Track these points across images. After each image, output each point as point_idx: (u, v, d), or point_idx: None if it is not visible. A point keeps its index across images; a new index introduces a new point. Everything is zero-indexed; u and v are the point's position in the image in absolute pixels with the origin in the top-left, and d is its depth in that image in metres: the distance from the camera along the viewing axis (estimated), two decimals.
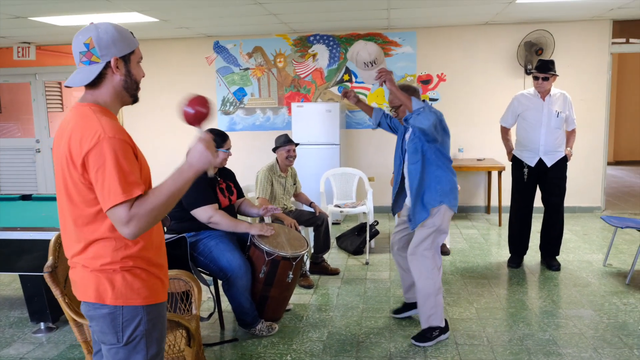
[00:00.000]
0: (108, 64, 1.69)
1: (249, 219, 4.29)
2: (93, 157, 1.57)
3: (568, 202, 6.77)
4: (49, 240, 3.19)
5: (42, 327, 3.58)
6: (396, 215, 3.78)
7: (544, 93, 4.42)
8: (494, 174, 6.89)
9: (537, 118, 4.43)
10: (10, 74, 7.89)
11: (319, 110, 6.53)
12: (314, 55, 7.21)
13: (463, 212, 7.14)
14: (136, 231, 1.58)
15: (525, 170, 4.57)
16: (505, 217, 6.38)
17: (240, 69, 7.37)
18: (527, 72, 6.69)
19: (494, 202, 7.04)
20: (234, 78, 7.41)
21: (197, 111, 1.72)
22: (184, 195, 3.35)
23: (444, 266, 4.86)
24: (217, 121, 7.47)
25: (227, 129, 7.37)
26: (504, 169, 6.38)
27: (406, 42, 7.00)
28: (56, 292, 2.19)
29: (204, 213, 3.32)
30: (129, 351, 1.72)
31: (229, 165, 3.74)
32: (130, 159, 1.61)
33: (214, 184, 3.50)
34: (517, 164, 4.67)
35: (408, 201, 3.40)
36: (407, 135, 3.35)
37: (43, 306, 3.51)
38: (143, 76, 1.82)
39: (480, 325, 3.56)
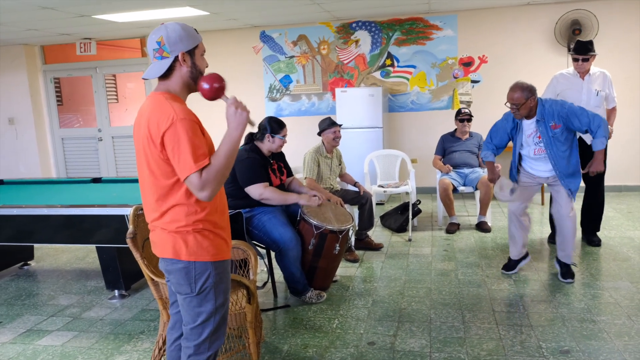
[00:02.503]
0: (176, 58, 1.99)
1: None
2: (169, 136, 1.88)
3: (613, 180, 6.78)
4: (122, 216, 3.62)
5: (116, 294, 4.02)
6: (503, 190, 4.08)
7: (583, 73, 4.49)
8: None
9: (577, 97, 4.51)
10: (74, 68, 8.48)
11: (362, 95, 6.76)
12: (357, 42, 7.42)
13: None
14: (210, 193, 1.90)
15: None
16: (548, 196, 6.47)
17: (285, 57, 7.67)
18: (570, 52, 6.67)
19: None
20: (280, 66, 7.71)
21: (212, 86, 1.96)
22: (239, 173, 3.71)
23: (485, 242, 5.04)
24: (264, 108, 7.81)
25: (274, 115, 7.68)
26: None
27: (447, 26, 7.11)
28: (136, 255, 2.54)
29: (255, 190, 3.64)
30: (201, 300, 2.04)
31: None
32: (199, 136, 1.92)
33: (267, 165, 3.81)
34: None
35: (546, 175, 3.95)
36: (533, 128, 3.80)
37: (117, 275, 3.94)
38: (206, 66, 2.12)
39: (518, 294, 3.74)
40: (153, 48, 1.99)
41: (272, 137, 3.79)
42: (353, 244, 4.90)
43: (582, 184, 4.75)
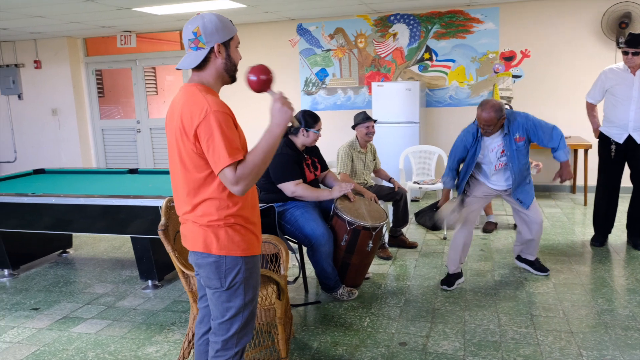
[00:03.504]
0: (212, 49, 1.96)
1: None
2: (202, 128, 1.86)
3: None
4: (157, 207, 3.64)
5: (150, 284, 4.06)
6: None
7: (634, 67, 4.28)
8: (580, 152, 6.69)
9: (627, 93, 4.30)
10: (114, 61, 8.64)
11: (399, 89, 6.64)
12: (394, 35, 7.29)
13: (546, 192, 7.00)
14: (244, 188, 1.87)
15: (613, 147, 4.46)
16: (591, 196, 6.22)
17: (322, 50, 7.61)
18: (619, 46, 6.39)
19: (579, 182, 6.84)
20: (316, 59, 7.66)
21: (259, 79, 1.93)
22: (272, 169, 3.68)
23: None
24: (300, 101, 7.78)
25: (310, 109, 7.65)
26: (590, 147, 6.19)
27: (488, 19, 6.91)
28: (168, 248, 2.54)
29: (288, 187, 3.61)
30: (230, 295, 2.01)
31: None
32: (232, 129, 1.89)
33: (301, 160, 3.77)
34: (604, 141, 4.55)
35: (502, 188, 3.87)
36: (498, 142, 3.70)
37: (151, 266, 3.98)
38: (240, 59, 2.08)
39: (557, 299, 3.60)
40: (189, 38, 1.97)
41: (307, 131, 3.75)
42: (387, 241, 4.82)
43: (630, 184, 4.55)
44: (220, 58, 1.98)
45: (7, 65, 8.64)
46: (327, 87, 7.70)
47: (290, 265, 4.41)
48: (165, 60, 8.48)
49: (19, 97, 8.74)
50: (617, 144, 4.43)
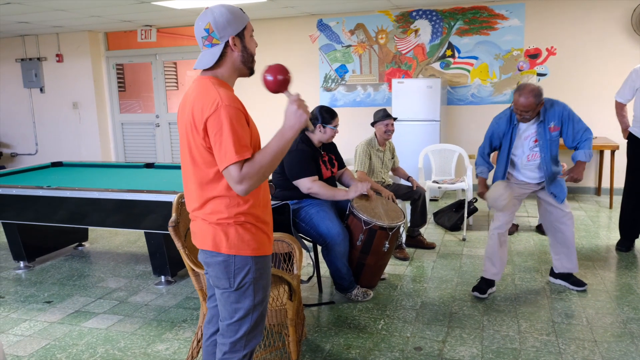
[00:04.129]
0: (227, 43, 1.89)
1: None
2: (212, 121, 1.79)
3: None
4: (170, 202, 3.60)
5: (163, 280, 4.03)
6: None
7: None
8: (607, 153, 6.49)
9: None
10: (134, 55, 8.65)
11: (419, 86, 6.51)
12: (416, 31, 7.16)
13: (570, 194, 6.80)
14: (247, 188, 1.79)
15: None
16: (617, 199, 6.03)
17: (342, 46, 7.51)
18: None
19: (605, 184, 6.64)
20: (336, 55, 7.56)
21: (276, 79, 1.84)
22: (287, 165, 3.61)
23: (545, 246, 4.72)
24: (319, 97, 7.70)
25: (328, 105, 7.56)
26: (617, 148, 5.99)
27: (513, 15, 6.73)
28: (178, 245, 2.49)
29: (304, 184, 3.53)
30: (239, 295, 1.94)
31: None
32: (243, 125, 1.81)
33: (318, 157, 3.69)
34: (633, 142, 4.38)
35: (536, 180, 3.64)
36: (532, 130, 3.50)
37: (164, 261, 3.94)
38: (256, 46, 2.00)
39: (580, 305, 3.46)
40: (202, 36, 1.90)
41: (324, 127, 3.67)
42: (404, 241, 4.72)
43: None
44: (236, 51, 1.91)
45: (30, 59, 8.72)
46: (347, 83, 7.60)
47: (305, 264, 4.34)
48: (185, 55, 8.47)
49: (41, 90, 8.82)
50: None
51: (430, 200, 6.39)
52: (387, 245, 3.60)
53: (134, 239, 5.29)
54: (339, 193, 3.59)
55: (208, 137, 1.82)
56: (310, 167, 3.59)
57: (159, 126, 8.71)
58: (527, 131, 3.51)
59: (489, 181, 3.79)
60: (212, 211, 1.91)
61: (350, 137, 7.18)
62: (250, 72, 2.00)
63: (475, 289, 3.69)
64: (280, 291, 2.64)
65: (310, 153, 3.63)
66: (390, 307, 3.52)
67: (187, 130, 1.90)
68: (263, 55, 8.11)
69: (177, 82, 9.04)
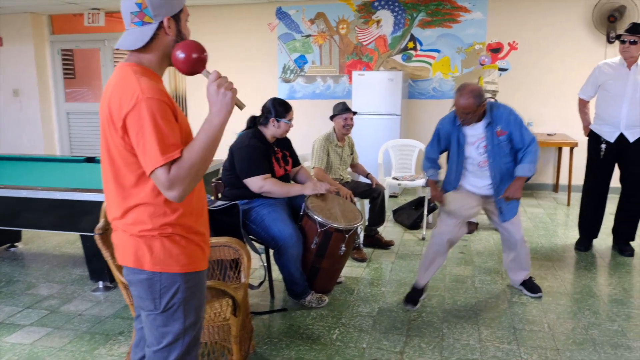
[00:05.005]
0: (160, 25, 1.62)
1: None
2: (132, 118, 1.52)
3: None
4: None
5: (101, 285, 3.70)
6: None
7: (630, 61, 4.01)
8: (565, 150, 6.47)
9: (621, 89, 4.04)
10: (81, 40, 8.14)
11: (380, 79, 6.32)
12: (378, 22, 6.95)
13: (529, 190, 6.77)
14: (181, 193, 1.54)
15: (603, 146, 4.20)
16: (575, 196, 6.01)
17: (302, 36, 7.24)
18: (609, 41, 6.16)
19: (563, 180, 6.62)
20: (296, 45, 7.29)
21: (189, 57, 1.59)
22: (237, 162, 3.34)
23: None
24: (277, 89, 7.42)
25: (287, 97, 7.30)
26: (576, 145, 5.96)
27: (476, 8, 6.60)
28: (106, 254, 2.20)
29: (255, 182, 3.28)
30: (167, 318, 1.69)
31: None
32: (169, 120, 1.55)
33: (270, 154, 3.44)
34: (594, 139, 4.30)
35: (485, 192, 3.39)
36: (480, 134, 3.28)
37: (102, 266, 3.60)
38: (190, 35, 1.74)
39: (542, 310, 3.35)
40: (131, 11, 1.62)
41: (277, 121, 3.41)
42: (362, 241, 4.52)
43: (618, 185, 4.31)
44: (170, 35, 1.64)
45: None
46: (306, 74, 7.33)
47: (257, 266, 4.09)
48: None
49: None
50: (607, 142, 4.19)
51: (390, 196, 6.23)
52: (343, 249, 3.38)
53: (73, 239, 4.89)
54: (294, 188, 3.36)
55: (127, 136, 1.55)
56: (262, 164, 3.33)
57: None
58: (475, 135, 3.29)
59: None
60: (134, 221, 1.64)
61: (310, 131, 6.93)
62: None
63: (408, 300, 3.45)
64: (222, 305, 2.39)
65: (263, 149, 3.38)
66: (346, 315, 3.31)
67: (104, 127, 1.63)
68: (220, 45, 7.80)
69: None
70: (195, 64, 1.61)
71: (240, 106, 1.65)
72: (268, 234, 3.27)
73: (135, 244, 1.65)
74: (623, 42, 3.97)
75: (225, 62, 7.29)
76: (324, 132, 4.49)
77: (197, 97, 7.63)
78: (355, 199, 4.25)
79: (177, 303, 1.68)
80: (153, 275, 1.65)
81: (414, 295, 3.45)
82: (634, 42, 3.91)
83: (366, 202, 4.63)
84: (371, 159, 5.83)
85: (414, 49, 6.89)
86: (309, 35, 7.21)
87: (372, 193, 4.48)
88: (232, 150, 3.41)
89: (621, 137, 4.11)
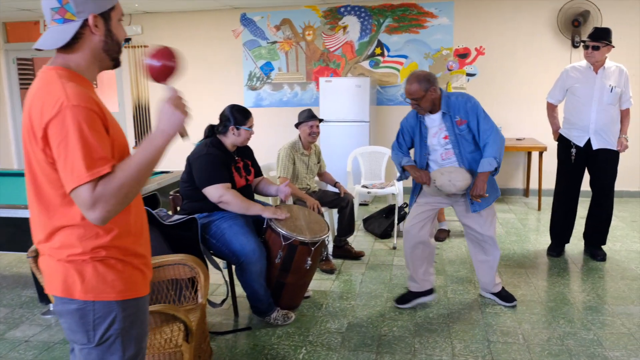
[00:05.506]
0: (85, 23, 1.44)
1: (269, 200, 4.06)
2: (54, 128, 1.34)
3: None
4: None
5: (51, 308, 3.45)
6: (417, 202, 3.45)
7: (596, 65, 3.98)
8: (535, 154, 6.45)
9: (588, 93, 4.00)
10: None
11: (348, 86, 6.20)
12: (345, 28, 6.85)
13: (500, 195, 6.72)
14: (104, 214, 1.34)
15: (573, 150, 4.15)
16: (545, 200, 5.98)
17: (267, 43, 7.09)
18: (574, 45, 6.18)
19: (533, 185, 6.60)
20: (261, 52, 7.13)
21: (163, 65, 1.46)
22: (196, 171, 3.15)
23: None
24: (243, 97, 7.24)
25: (254, 105, 7.13)
26: (545, 149, 5.93)
27: (443, 13, 6.56)
28: (41, 279, 1.98)
29: (214, 192, 3.08)
30: (102, 352, 1.50)
31: (252, 142, 3.49)
32: (98, 131, 1.37)
33: (231, 163, 3.26)
34: (563, 144, 4.24)
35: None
36: (438, 124, 3.24)
37: None
38: (125, 36, 1.57)
39: (516, 320, 3.24)
40: (51, 7, 1.43)
41: (237, 129, 3.23)
42: (330, 251, 4.37)
43: (589, 188, 4.26)
44: (97, 34, 1.46)
45: None
46: (273, 82, 7.18)
47: (221, 282, 3.89)
48: None
49: None
50: (577, 147, 4.14)
51: (360, 204, 6.10)
52: (309, 262, 3.22)
53: (23, 258, 4.61)
54: (254, 207, 3.15)
55: (50, 147, 1.36)
56: (222, 173, 3.14)
57: None
58: (434, 127, 3.24)
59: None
60: (61, 245, 1.45)
61: (277, 139, 6.78)
62: (115, 63, 1.56)
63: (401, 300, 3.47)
64: (173, 330, 2.19)
65: (222, 158, 3.19)
66: (314, 332, 3.14)
67: (25, 138, 1.44)
68: (183, 52, 7.56)
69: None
70: (167, 72, 1.48)
71: (183, 135, 1.48)
72: (229, 249, 3.08)
73: (64, 270, 1.46)
74: (586, 47, 3.95)
75: (189, 71, 7.08)
76: (289, 140, 4.33)
77: None
78: (324, 209, 4.10)
79: (114, 334, 1.49)
80: (85, 305, 1.46)
81: (409, 297, 3.47)
82: (596, 48, 3.89)
83: (335, 211, 4.49)
84: (340, 167, 5.70)
85: (382, 55, 6.80)
86: (274, 42, 7.07)
87: (341, 202, 4.33)
88: (190, 160, 3.22)
89: (590, 141, 4.07)
